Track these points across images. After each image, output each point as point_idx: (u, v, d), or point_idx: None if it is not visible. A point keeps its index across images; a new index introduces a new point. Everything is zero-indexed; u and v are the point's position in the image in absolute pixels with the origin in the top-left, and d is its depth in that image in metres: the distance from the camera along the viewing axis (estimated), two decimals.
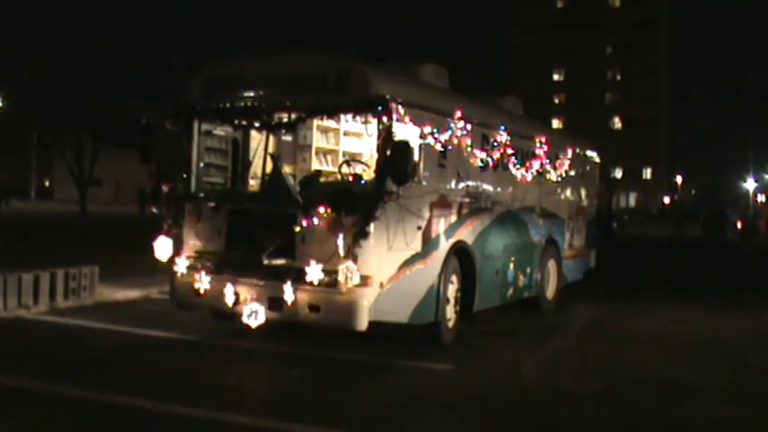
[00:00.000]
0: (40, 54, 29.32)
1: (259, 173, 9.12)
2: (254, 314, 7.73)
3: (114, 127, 28.39)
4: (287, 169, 9.24)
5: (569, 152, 12.81)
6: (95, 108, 28.50)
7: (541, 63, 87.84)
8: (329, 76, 7.90)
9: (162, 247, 8.47)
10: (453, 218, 9.09)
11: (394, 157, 7.41)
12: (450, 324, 9.03)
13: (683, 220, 43.41)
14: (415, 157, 7.87)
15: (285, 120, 8.09)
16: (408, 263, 8.16)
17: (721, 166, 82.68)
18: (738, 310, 13.21)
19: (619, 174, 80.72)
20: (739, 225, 39.16)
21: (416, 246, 8.30)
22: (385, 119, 7.51)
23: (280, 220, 7.94)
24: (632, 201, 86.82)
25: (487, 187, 10.03)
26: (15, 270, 10.24)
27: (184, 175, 8.68)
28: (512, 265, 10.71)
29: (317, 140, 10.14)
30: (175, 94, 8.82)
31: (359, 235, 7.44)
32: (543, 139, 11.67)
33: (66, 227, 26.56)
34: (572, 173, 12.96)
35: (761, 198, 78.25)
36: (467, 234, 9.38)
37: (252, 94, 8.25)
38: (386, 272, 7.82)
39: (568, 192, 13.19)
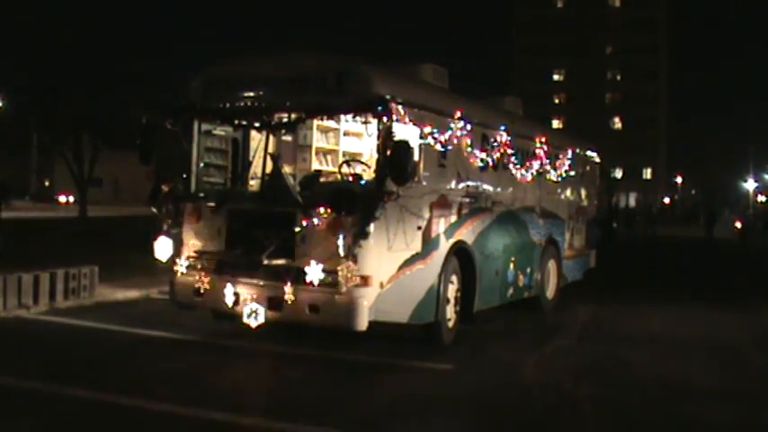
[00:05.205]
0: (40, 54, 29.29)
1: (259, 173, 9.11)
2: (254, 314, 7.74)
3: (114, 127, 28.36)
4: (287, 169, 9.24)
5: (569, 152, 12.82)
6: (96, 108, 28.47)
7: (541, 63, 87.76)
8: (329, 76, 7.89)
9: (162, 247, 8.48)
10: (453, 218, 9.09)
11: (394, 157, 7.40)
12: (450, 324, 9.03)
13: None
14: (415, 157, 7.87)
15: (285, 120, 8.08)
16: (408, 263, 8.16)
17: (722, 166, 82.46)
18: (738, 310, 13.19)
19: (619, 174, 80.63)
20: (738, 225, 39.14)
21: (416, 246, 8.29)
22: (385, 119, 7.50)
23: (280, 220, 7.94)
24: (632, 200, 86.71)
25: (487, 187, 10.03)
26: (15, 270, 10.24)
27: (184, 175, 8.68)
28: (512, 265, 10.71)
29: (317, 140, 10.14)
30: (176, 93, 8.81)
31: (359, 235, 7.43)
32: (543, 140, 11.68)
33: (66, 227, 26.54)
34: (572, 173, 12.97)
35: (761, 198, 78.14)
36: (467, 234, 9.38)
37: (252, 94, 8.25)
38: (386, 272, 7.82)
39: (568, 192, 13.19)
